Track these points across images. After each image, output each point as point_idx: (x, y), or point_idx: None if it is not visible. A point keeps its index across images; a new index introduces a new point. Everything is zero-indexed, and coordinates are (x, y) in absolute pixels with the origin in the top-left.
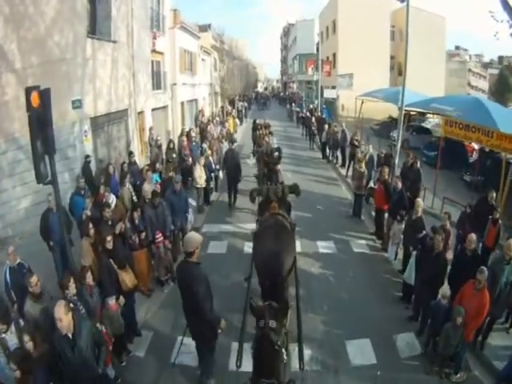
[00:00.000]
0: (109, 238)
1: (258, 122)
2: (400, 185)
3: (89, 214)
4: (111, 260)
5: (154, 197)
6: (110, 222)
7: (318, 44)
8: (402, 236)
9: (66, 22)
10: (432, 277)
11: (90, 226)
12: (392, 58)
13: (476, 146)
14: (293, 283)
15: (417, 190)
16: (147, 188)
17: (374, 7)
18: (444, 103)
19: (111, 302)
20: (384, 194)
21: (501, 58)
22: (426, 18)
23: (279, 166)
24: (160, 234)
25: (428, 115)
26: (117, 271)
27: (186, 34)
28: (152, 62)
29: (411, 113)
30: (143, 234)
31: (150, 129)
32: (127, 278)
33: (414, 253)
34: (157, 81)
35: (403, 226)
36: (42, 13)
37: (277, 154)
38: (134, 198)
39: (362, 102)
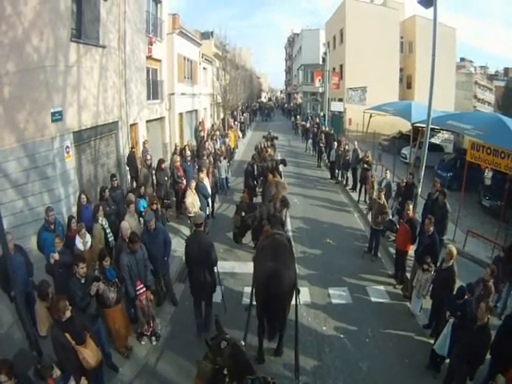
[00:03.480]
0: (63, 308)
1: (265, 135)
2: (432, 228)
3: (57, 257)
4: (67, 334)
5: (132, 241)
6: (83, 280)
7: (324, 54)
8: (430, 286)
9: (47, 25)
10: (472, 354)
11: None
12: (401, 70)
13: None
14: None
15: (442, 229)
16: (125, 225)
17: (383, 16)
18: (461, 120)
19: None
20: (409, 235)
21: (507, 70)
22: (438, 29)
23: (279, 178)
24: (141, 285)
25: (436, 130)
26: (74, 347)
27: (185, 41)
28: (148, 69)
29: (424, 129)
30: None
31: (144, 142)
32: (88, 355)
33: (451, 321)
34: (153, 90)
35: (432, 275)
36: (20, 14)
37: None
38: (110, 236)
39: (371, 116)
